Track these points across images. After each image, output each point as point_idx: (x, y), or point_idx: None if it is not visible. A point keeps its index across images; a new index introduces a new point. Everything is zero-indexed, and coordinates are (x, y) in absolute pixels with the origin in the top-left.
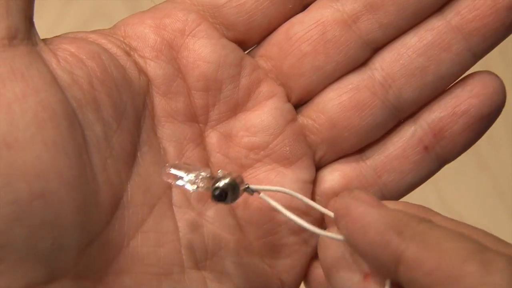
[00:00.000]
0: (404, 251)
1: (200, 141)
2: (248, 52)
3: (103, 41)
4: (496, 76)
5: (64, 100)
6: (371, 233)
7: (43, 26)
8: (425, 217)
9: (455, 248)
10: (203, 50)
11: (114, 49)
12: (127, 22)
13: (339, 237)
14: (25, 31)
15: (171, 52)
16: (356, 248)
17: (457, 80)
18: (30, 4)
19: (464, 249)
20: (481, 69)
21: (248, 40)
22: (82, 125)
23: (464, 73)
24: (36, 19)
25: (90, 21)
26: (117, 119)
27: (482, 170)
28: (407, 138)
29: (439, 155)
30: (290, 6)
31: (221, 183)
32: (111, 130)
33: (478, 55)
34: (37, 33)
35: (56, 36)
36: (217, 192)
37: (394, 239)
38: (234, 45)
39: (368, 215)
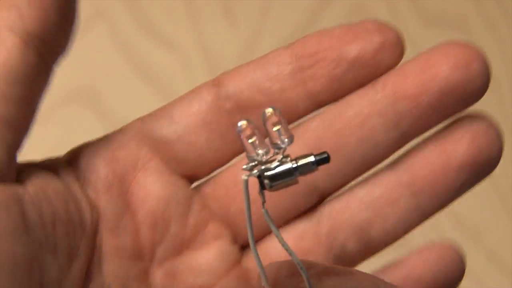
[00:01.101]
0: None
1: (144, 279)
2: (198, 185)
3: (63, 173)
4: (455, 247)
5: (28, 243)
6: None
7: None
8: None
9: None
10: (153, 187)
11: (73, 185)
12: (82, 151)
13: None
14: (4, 168)
15: (122, 187)
16: None
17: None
18: (18, 142)
19: None
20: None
21: (197, 174)
22: (40, 268)
23: (409, 232)
24: None
25: (90, 21)
26: (69, 261)
27: None
28: None
29: None
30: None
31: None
32: (63, 272)
33: (425, 215)
34: (15, 170)
35: (28, 164)
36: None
37: None
38: (184, 182)
39: None
